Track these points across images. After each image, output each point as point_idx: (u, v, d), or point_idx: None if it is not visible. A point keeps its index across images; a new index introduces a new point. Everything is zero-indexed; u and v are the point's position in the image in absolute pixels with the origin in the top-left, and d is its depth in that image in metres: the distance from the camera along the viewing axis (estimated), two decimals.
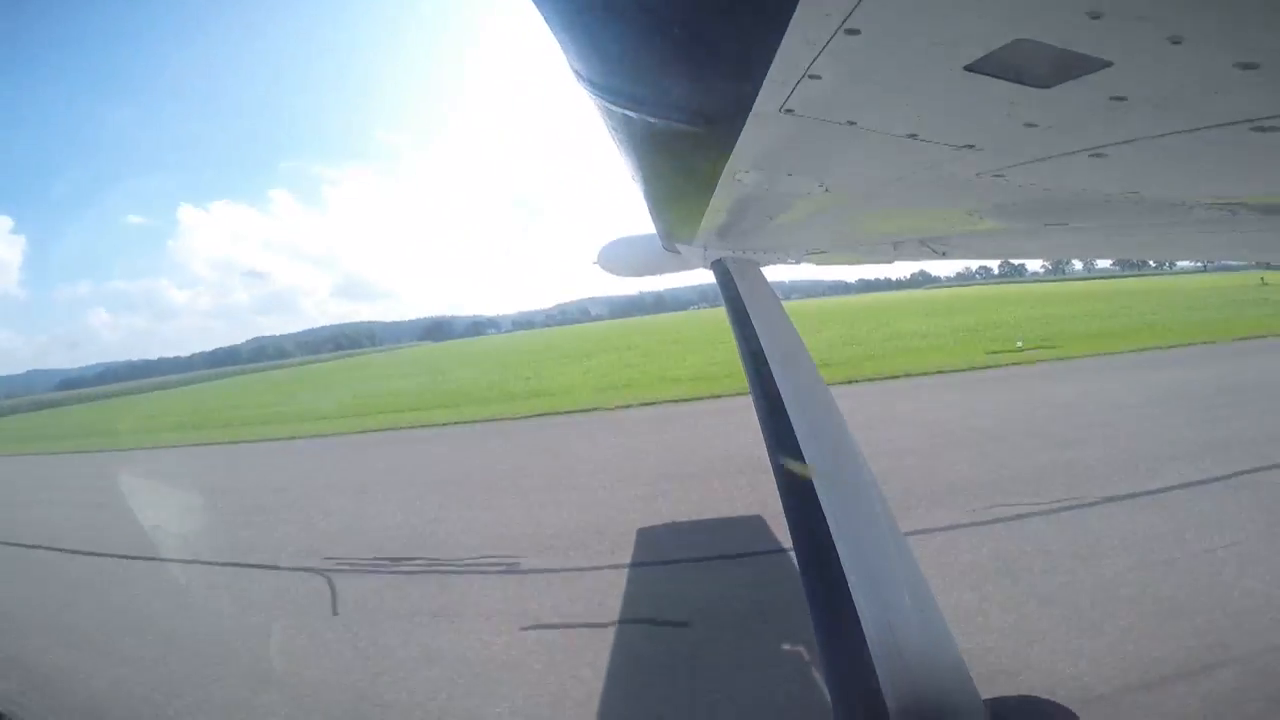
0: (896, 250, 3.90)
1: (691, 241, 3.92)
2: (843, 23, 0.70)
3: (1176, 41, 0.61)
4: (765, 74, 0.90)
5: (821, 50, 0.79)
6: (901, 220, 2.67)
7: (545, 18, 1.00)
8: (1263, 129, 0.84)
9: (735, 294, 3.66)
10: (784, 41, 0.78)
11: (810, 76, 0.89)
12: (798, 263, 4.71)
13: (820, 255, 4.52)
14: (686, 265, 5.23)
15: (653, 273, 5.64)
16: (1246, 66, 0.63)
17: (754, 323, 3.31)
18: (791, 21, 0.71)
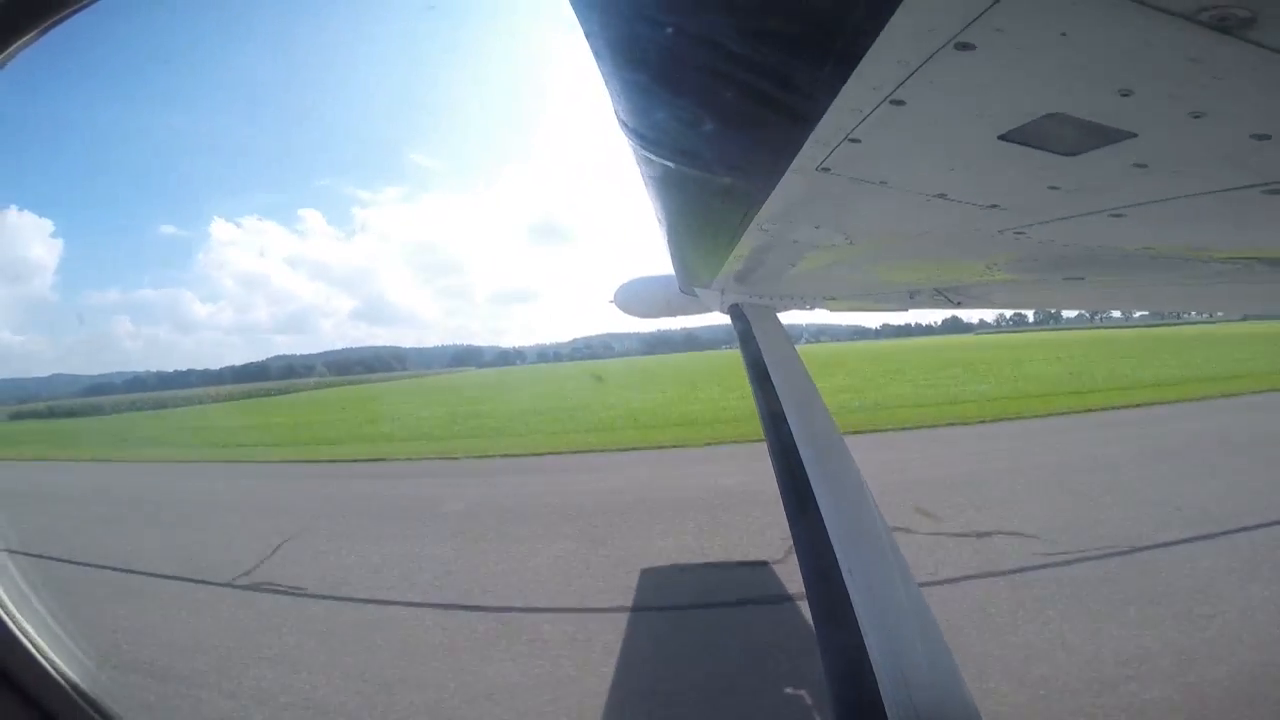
0: (912, 299, 3.97)
1: (710, 285, 4.01)
2: (890, 94, 0.77)
3: (1198, 116, 0.67)
4: (808, 136, 0.96)
5: (866, 118, 0.85)
6: (920, 271, 2.74)
7: (600, 67, 1.07)
8: (1273, 192, 0.89)
9: (751, 339, 3.73)
10: (831, 108, 0.84)
11: (850, 140, 0.96)
12: (813, 308, 4.79)
13: (836, 302, 4.59)
14: (703, 308, 5.31)
15: (669, 314, 5.73)
16: (1261, 137, 0.69)
17: (769, 368, 3.36)
18: (841, 91, 0.78)
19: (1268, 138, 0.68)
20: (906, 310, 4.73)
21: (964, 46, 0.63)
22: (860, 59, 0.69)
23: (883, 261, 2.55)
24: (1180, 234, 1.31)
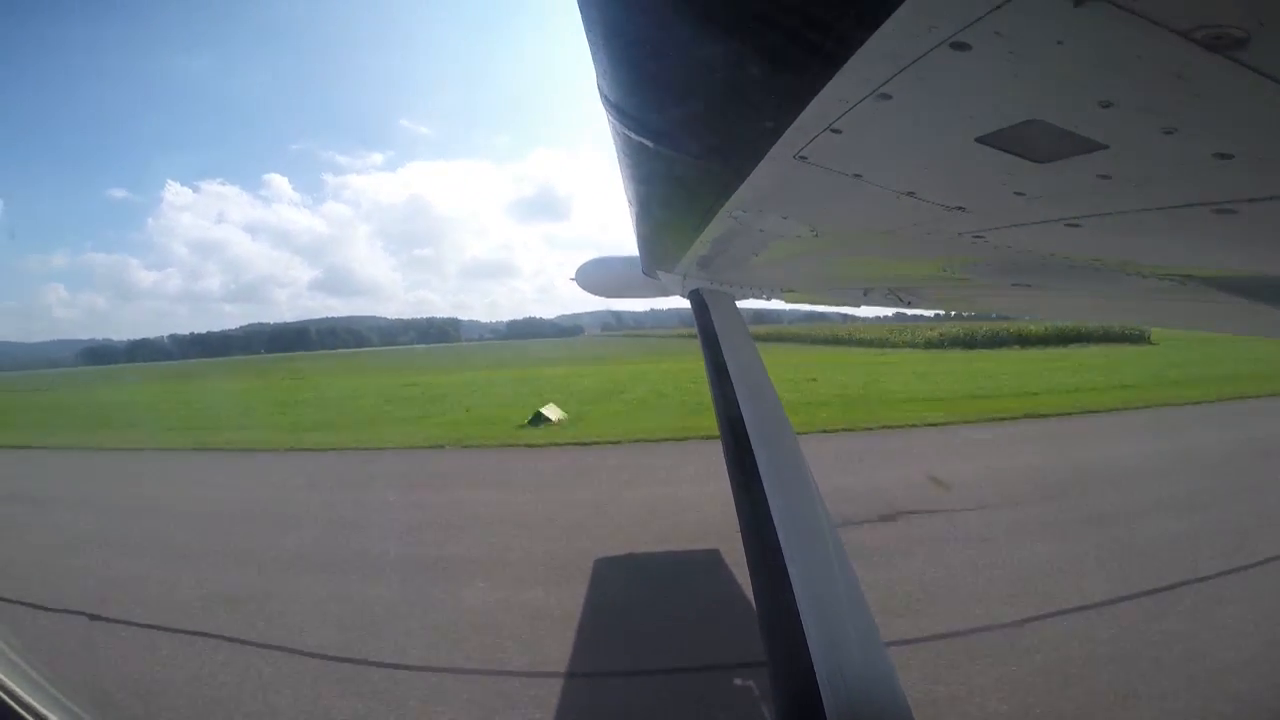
0: (866, 295, 4.07)
1: (672, 270, 4.00)
2: (879, 88, 0.77)
3: (1169, 132, 0.69)
4: (791, 124, 0.95)
5: (851, 109, 0.85)
6: (878, 268, 2.80)
7: (588, 34, 1.04)
8: (1221, 211, 0.94)
9: (709, 324, 3.75)
10: (818, 96, 0.84)
11: (832, 130, 0.95)
12: (770, 298, 4.86)
13: (793, 294, 4.67)
14: (664, 292, 5.32)
15: (630, 295, 5.72)
16: (1223, 156, 0.72)
17: (724, 353, 3.40)
18: (832, 80, 0.77)
19: (1230, 157, 0.71)
20: (859, 306, 4.85)
21: (960, 46, 0.63)
22: (857, 49, 0.69)
23: (842, 256, 2.60)
24: (1128, 247, 1.37)
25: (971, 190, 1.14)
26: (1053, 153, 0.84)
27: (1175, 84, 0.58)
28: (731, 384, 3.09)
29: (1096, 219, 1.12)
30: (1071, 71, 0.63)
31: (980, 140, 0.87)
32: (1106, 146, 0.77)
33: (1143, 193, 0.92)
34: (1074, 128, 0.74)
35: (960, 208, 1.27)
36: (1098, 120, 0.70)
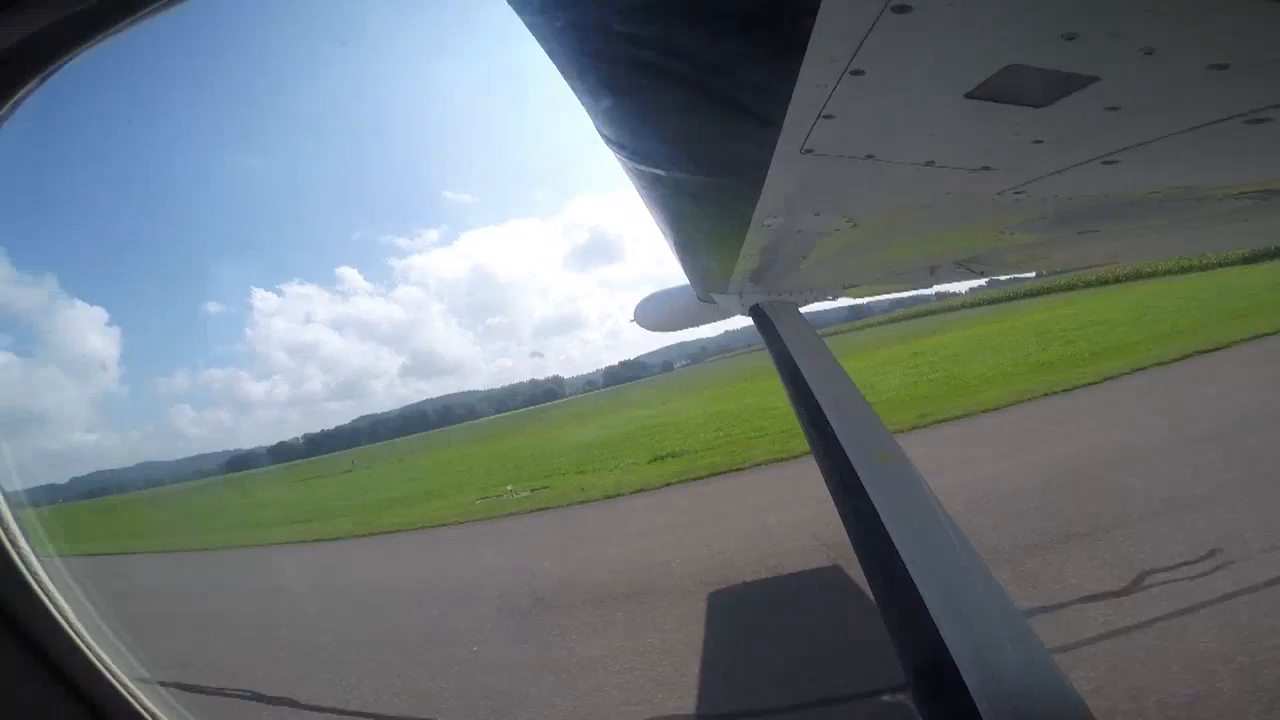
0: (934, 274, 3.90)
1: (727, 290, 4.02)
2: (848, 66, 0.79)
3: (1149, 52, 0.67)
4: (783, 119, 0.98)
5: (832, 92, 0.87)
6: (933, 244, 2.70)
7: (571, 87, 1.11)
8: (1256, 120, 0.88)
9: (777, 339, 3.69)
10: (796, 88, 0.86)
11: (825, 117, 0.97)
12: (835, 298, 4.75)
13: (857, 288, 4.55)
14: (724, 314, 5.30)
15: (691, 324, 5.72)
16: (1218, 68, 0.69)
17: (799, 366, 3.31)
18: (801, 69, 0.80)
19: (1225, 67, 0.68)
20: (930, 287, 4.66)
21: (901, 9, 0.65)
22: (810, 32, 0.72)
23: (892, 240, 2.53)
24: (1177, 173, 1.28)
25: (988, 148, 1.12)
26: (1047, 94, 0.82)
27: (1129, 7, 0.57)
28: (813, 394, 2.98)
29: (1129, 152, 1.07)
30: (1021, 10, 0.63)
31: (970, 96, 0.86)
32: (1097, 78, 0.75)
33: (1160, 117, 0.88)
34: (1053, 65, 0.73)
35: (985, 167, 1.24)
36: (1071, 53, 0.69)
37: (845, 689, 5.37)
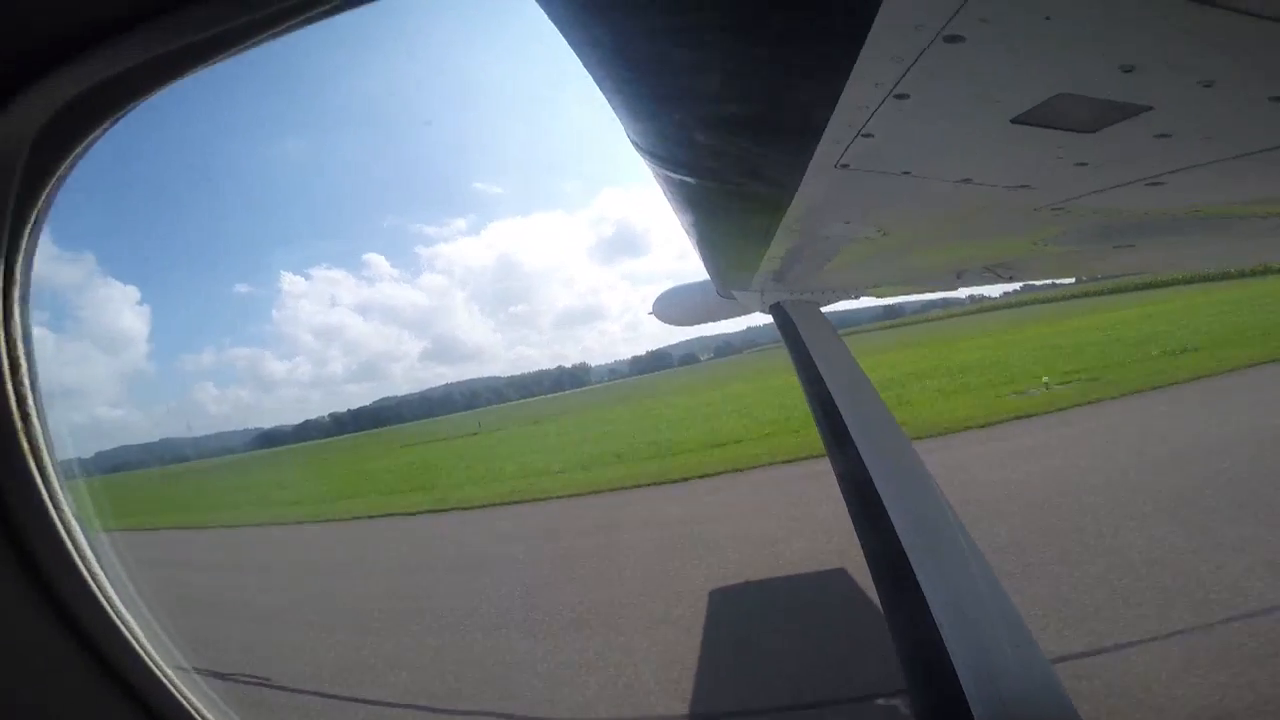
0: (959, 278, 3.86)
1: (748, 287, 4.00)
2: (892, 89, 0.79)
3: (1207, 85, 0.66)
4: (820, 136, 0.98)
5: (873, 113, 0.87)
6: (963, 252, 2.67)
7: (606, 97, 1.11)
8: None
9: (797, 337, 3.68)
10: (837, 108, 0.86)
11: (864, 135, 0.97)
12: (857, 298, 4.71)
13: (880, 289, 4.51)
14: (744, 310, 5.28)
15: (710, 319, 5.70)
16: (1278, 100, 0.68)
17: (818, 366, 3.30)
18: (845, 89, 0.80)
19: None
20: (955, 289, 4.60)
21: (953, 39, 0.64)
22: (856, 59, 0.71)
23: (922, 247, 2.50)
24: (1223, 194, 1.26)
25: (1030, 168, 1.11)
26: (1097, 121, 0.81)
27: (1191, 41, 0.56)
28: (830, 394, 2.99)
29: (1179, 175, 1.05)
30: (1076, 44, 0.62)
31: (1016, 121, 0.85)
32: (1150, 107, 0.74)
33: (1212, 144, 0.86)
34: (1106, 95, 0.72)
35: (1024, 186, 1.22)
36: (1127, 85, 0.68)
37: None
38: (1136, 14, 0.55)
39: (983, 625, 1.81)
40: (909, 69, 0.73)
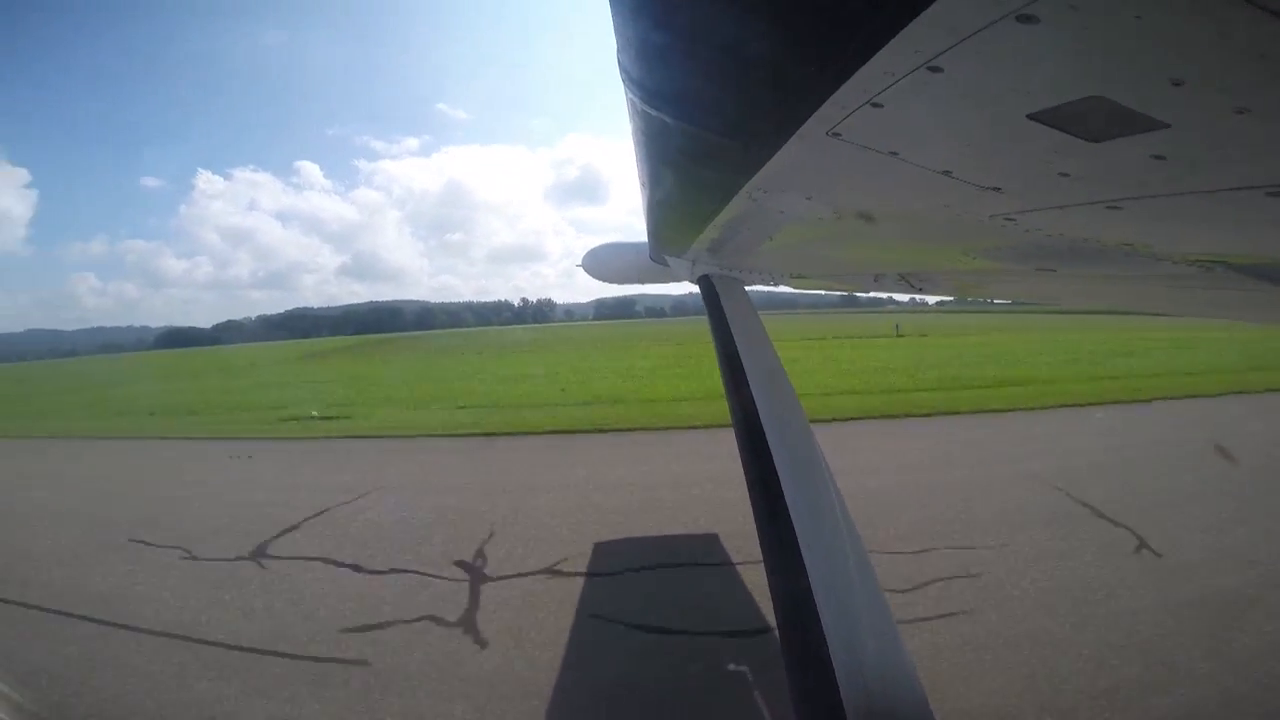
0: (876, 281, 4.03)
1: (682, 255, 3.96)
2: (930, 60, 0.73)
3: (1241, 112, 0.66)
4: (829, 98, 0.91)
5: (896, 82, 0.81)
6: (895, 253, 2.76)
7: (612, 6, 0.99)
8: (1276, 195, 0.90)
9: (719, 310, 3.72)
10: (861, 70, 0.79)
11: (872, 104, 0.91)
12: (778, 284, 4.82)
13: (802, 279, 4.63)
14: (672, 277, 5.27)
15: (637, 281, 5.67)
16: None
17: (736, 340, 3.36)
18: (880, 51, 0.73)
19: None
20: (868, 291, 4.82)
21: (1027, 19, 0.60)
22: (912, 20, 0.65)
23: (858, 241, 2.56)
24: (1166, 231, 1.33)
25: (1014, 170, 1.10)
26: (1109, 131, 0.80)
27: (1257, 64, 0.54)
28: (745, 373, 3.05)
29: (1140, 201, 1.08)
30: (1145, 47, 0.59)
31: (1032, 117, 0.83)
32: (1168, 126, 0.73)
33: (1196, 175, 0.89)
34: (1139, 106, 0.70)
35: (996, 188, 1.22)
36: (1165, 99, 0.67)
37: None
38: (1231, 26, 0.52)
39: (856, 615, 1.94)
40: (960, 41, 0.68)
